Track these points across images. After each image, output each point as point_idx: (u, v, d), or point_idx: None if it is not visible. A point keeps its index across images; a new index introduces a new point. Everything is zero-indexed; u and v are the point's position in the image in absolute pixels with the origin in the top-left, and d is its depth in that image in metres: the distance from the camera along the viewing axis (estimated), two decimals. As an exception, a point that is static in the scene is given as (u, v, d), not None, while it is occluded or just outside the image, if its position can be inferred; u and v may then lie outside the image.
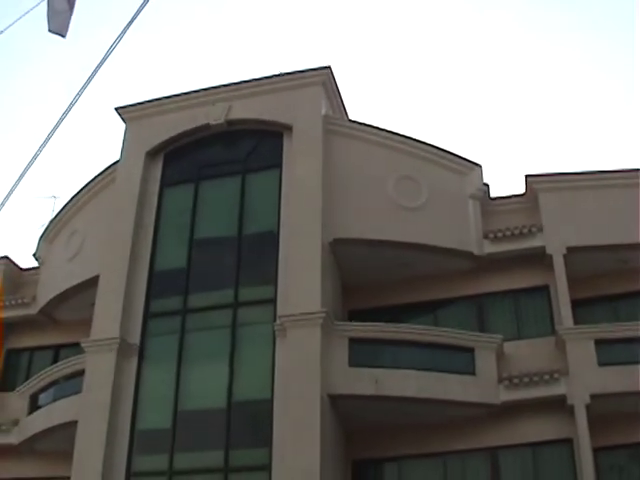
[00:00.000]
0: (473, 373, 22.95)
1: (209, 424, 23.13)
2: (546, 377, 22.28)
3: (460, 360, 23.20)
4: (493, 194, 25.84)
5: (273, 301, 23.71)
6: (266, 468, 21.81)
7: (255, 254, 24.94)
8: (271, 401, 22.36)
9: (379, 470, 24.46)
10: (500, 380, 22.67)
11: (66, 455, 24.26)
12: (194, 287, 25.04)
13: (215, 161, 27.14)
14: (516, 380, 22.40)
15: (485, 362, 23.04)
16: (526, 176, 25.26)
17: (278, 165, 25.88)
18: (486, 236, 24.75)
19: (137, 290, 25.45)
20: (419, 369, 22.70)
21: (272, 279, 24.07)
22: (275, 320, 23.17)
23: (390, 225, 24.58)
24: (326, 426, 21.70)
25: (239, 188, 26.07)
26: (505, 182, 77.76)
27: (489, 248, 24.74)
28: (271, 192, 25.49)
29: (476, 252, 24.68)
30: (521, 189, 25.75)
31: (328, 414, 22.02)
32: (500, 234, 24.61)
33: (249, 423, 23.10)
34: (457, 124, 70.04)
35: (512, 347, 23.74)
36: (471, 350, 23.22)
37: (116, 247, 26.12)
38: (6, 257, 31.77)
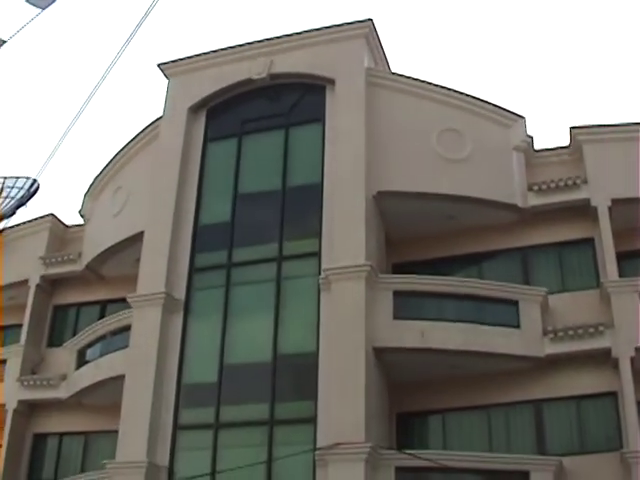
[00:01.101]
0: (518, 326, 22.88)
1: (255, 377, 23.35)
2: (591, 330, 22.19)
3: (505, 313, 23.15)
4: (537, 146, 25.58)
5: (317, 254, 23.78)
6: (311, 421, 22.03)
7: (299, 207, 25.00)
8: (316, 354, 22.51)
9: (423, 423, 24.53)
10: (545, 333, 22.60)
11: (114, 409, 24.71)
12: (238, 241, 25.18)
13: (258, 115, 27.11)
14: (561, 333, 22.34)
15: (530, 315, 22.96)
16: (570, 128, 24.99)
17: (321, 118, 25.85)
18: (530, 188, 24.55)
19: (182, 245, 25.65)
20: (464, 322, 22.71)
21: (316, 232, 24.11)
22: (320, 273, 23.25)
23: (434, 177, 24.49)
24: (371, 379, 21.79)
25: (282, 142, 26.10)
26: (549, 134, 76.98)
27: (533, 200, 24.54)
28: (314, 145, 25.50)
29: (520, 204, 24.50)
30: (565, 141, 25.50)
31: (373, 367, 22.10)
32: (544, 186, 24.39)
33: (294, 376, 23.29)
34: (500, 76, 69.39)
35: (557, 300, 23.64)
36: (515, 303, 23.15)
37: (160, 202, 26.30)
38: (52, 215, 32.10)
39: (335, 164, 24.55)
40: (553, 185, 24.33)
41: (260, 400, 22.88)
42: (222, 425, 23.11)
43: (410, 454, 21.08)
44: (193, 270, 25.36)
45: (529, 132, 25.28)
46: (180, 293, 24.96)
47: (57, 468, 28.86)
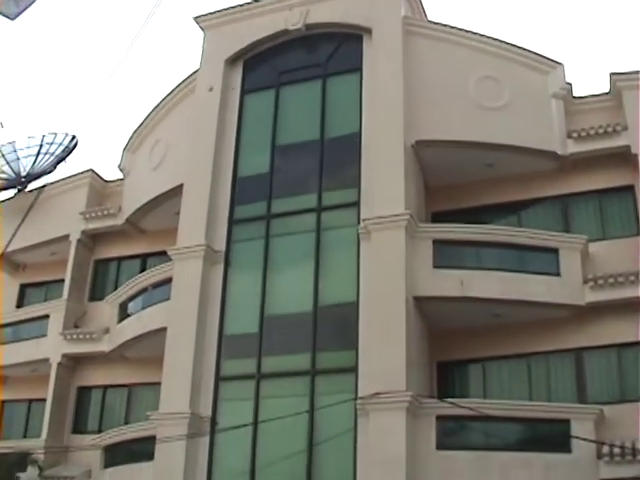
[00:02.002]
0: (558, 274, 22.78)
1: (295, 328, 23.55)
2: (631, 278, 22.05)
3: (545, 261, 23.07)
4: (576, 93, 25.29)
5: (357, 204, 23.77)
6: (352, 370, 22.16)
7: (337, 158, 24.95)
8: (356, 304, 22.60)
9: (463, 371, 24.62)
10: (585, 281, 22.49)
11: (156, 361, 25.00)
12: (277, 192, 25.25)
13: (295, 66, 27.06)
14: (601, 281, 22.22)
15: (570, 263, 22.84)
16: (610, 74, 24.68)
17: (358, 68, 25.71)
18: (570, 135, 24.32)
19: (221, 197, 25.76)
20: (503, 270, 22.67)
21: (355, 182, 24.08)
22: (359, 223, 23.25)
23: (472, 126, 24.32)
24: (411, 328, 21.87)
25: (320, 92, 26.03)
26: (588, 81, 76.05)
27: (573, 147, 24.32)
28: (352, 95, 25.38)
29: (560, 152, 24.29)
30: (605, 88, 25.20)
31: (413, 316, 22.17)
32: (584, 133, 24.14)
33: (335, 326, 23.41)
34: (538, 23, 68.52)
35: (597, 248, 23.53)
36: (555, 251, 23.05)
37: (199, 155, 26.39)
38: (91, 170, 32.32)
39: (373, 114, 24.44)
40: (593, 132, 24.07)
41: (301, 350, 23.10)
42: (264, 376, 23.35)
43: (451, 403, 21.17)
44: (233, 222, 25.49)
45: (568, 79, 24.97)
46: (220, 245, 25.10)
47: (101, 420, 29.38)
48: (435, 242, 22.94)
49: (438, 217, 25.22)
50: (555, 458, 20.38)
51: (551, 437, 21.05)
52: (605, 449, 20.10)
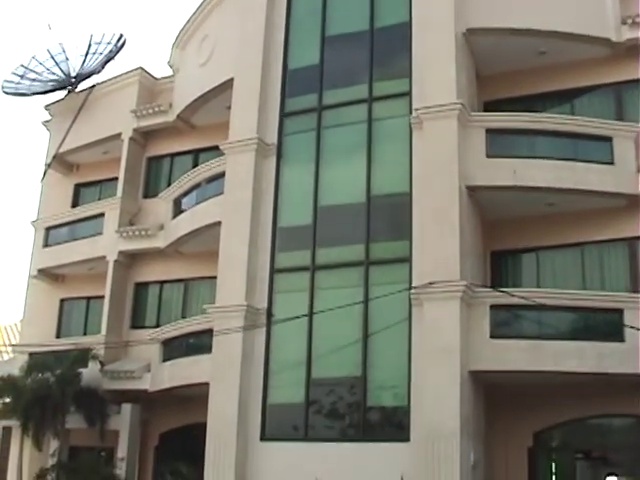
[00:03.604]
0: (611, 162, 22.53)
1: (349, 219, 23.61)
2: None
3: (598, 150, 22.79)
4: (631, -22, 24.63)
5: (408, 94, 23.49)
6: (406, 260, 22.26)
7: (388, 48, 24.55)
8: (410, 194, 22.58)
9: (517, 261, 24.64)
10: (639, 170, 22.20)
11: (211, 255, 25.34)
12: (328, 84, 25.02)
13: (343, -44, 26.39)
14: (651, 184, 21.90)
15: (623, 151, 22.55)
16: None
17: (407, -43, 25.10)
18: (624, 22, 23.72)
19: (272, 90, 25.64)
20: (557, 159, 22.40)
21: (406, 72, 23.76)
22: (411, 113, 23.03)
23: (525, 12, 23.68)
24: (465, 217, 21.86)
25: (369, -20, 25.47)
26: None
27: (627, 34, 23.73)
28: (402, -17, 24.85)
29: (614, 38, 23.76)
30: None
31: (466, 206, 22.13)
32: (639, 19, 23.50)
33: (388, 216, 23.45)
34: None
35: (651, 134, 23.10)
36: (609, 139, 22.74)
37: (248, 48, 26.19)
38: (140, 68, 32.30)
39: (424, 2, 23.92)
40: (647, 18, 23.48)
41: (355, 241, 23.20)
42: (318, 267, 23.56)
43: (504, 292, 21.25)
44: (284, 115, 25.39)
45: (622, -36, 24.29)
46: (272, 138, 25.07)
47: (159, 315, 30.00)
48: (488, 131, 22.67)
49: (490, 106, 24.89)
50: (607, 347, 20.44)
51: (604, 326, 21.04)
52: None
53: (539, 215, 23.28)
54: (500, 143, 22.73)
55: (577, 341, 20.73)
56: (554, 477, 23.30)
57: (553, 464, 23.42)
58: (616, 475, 23.66)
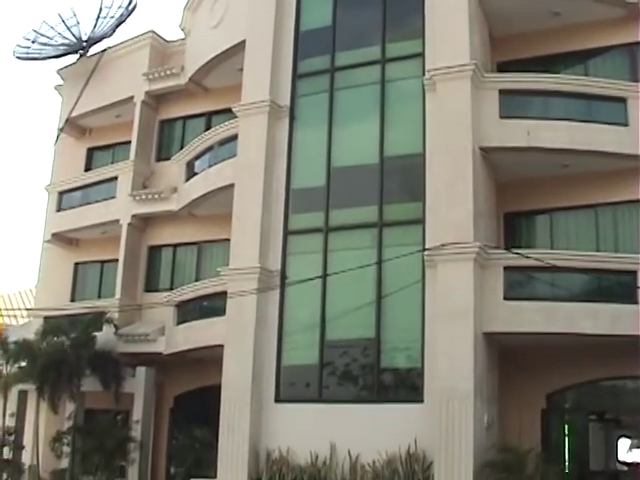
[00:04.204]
0: (626, 124, 22.31)
1: (362, 180, 23.54)
2: None
3: (612, 111, 22.59)
4: None
5: (421, 55, 23.33)
6: (419, 222, 22.24)
7: (400, 8, 24.31)
8: (423, 156, 22.49)
9: (531, 223, 24.60)
10: (655, 133, 21.99)
11: (225, 218, 25.37)
12: (340, 45, 24.87)
13: None
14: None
15: (637, 112, 22.23)
16: None
17: None
18: (638, -18, 23.48)
19: (284, 52, 25.52)
20: (571, 120, 22.22)
21: (419, 33, 23.55)
22: (424, 74, 22.88)
23: (538, -28, 23.54)
24: (478, 179, 21.78)
25: (380, -59, 25.24)
26: None
27: (641, -8, 23.49)
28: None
29: (628, -1, 23.54)
30: None
31: (480, 167, 22.05)
32: (653, -21, 23.29)
33: (402, 178, 23.39)
34: None
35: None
36: (623, 100, 22.54)
37: (260, 10, 26.07)
38: (152, 31, 32.21)
39: (434, -38, 23.70)
40: (663, -24, 23.22)
41: (368, 203, 23.18)
42: (331, 229, 23.55)
43: (518, 253, 21.19)
44: (296, 76, 25.27)
45: None
46: (285, 100, 24.98)
47: (173, 278, 30.16)
48: (501, 92, 22.51)
49: (504, 67, 24.70)
50: (621, 309, 20.37)
51: (617, 288, 20.97)
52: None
53: (553, 176, 23.15)
54: (514, 104, 22.52)
55: (591, 303, 20.71)
56: (567, 439, 23.37)
57: (566, 426, 23.52)
58: (629, 437, 23.80)
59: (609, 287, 21.12)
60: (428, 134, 22.52)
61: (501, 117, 22.28)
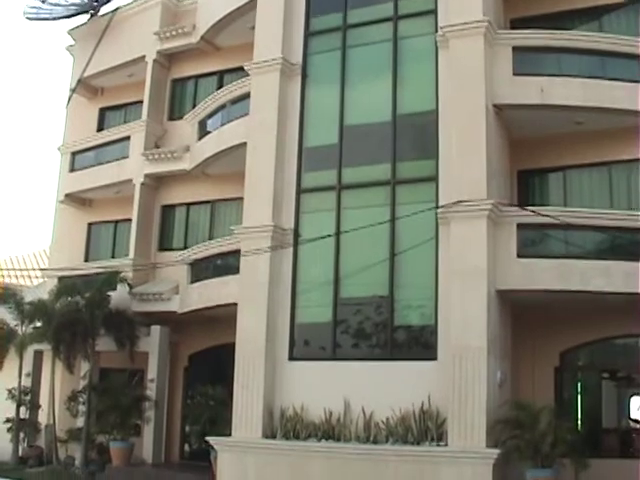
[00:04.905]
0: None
1: (375, 138, 23.43)
2: None
3: (627, 68, 22.21)
4: None
5: (434, 12, 23.11)
6: (433, 179, 22.17)
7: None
8: (436, 113, 22.37)
9: (544, 180, 24.47)
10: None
11: (238, 177, 25.35)
12: (353, 2, 24.60)
13: None
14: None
15: (654, 66, 22.14)
16: None
17: None
18: None
19: (296, 9, 25.32)
20: (584, 77, 22.02)
21: (430, -8, 23.39)
22: (436, 32, 22.72)
23: None
24: (491, 136, 21.68)
25: None
26: None
27: (657, -53, 23.21)
28: None
29: (641, -45, 23.25)
30: None
31: (493, 124, 21.93)
32: None
33: (414, 135, 23.28)
34: None
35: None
36: (637, 57, 22.12)
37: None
38: (163, -10, 32.01)
39: None
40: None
41: (381, 160, 23.06)
42: (344, 187, 23.48)
43: (532, 211, 21.15)
44: (309, 34, 25.10)
45: None
46: (297, 58, 24.82)
47: (186, 237, 30.29)
48: (514, 49, 22.28)
49: (517, 24, 24.38)
50: (635, 267, 20.17)
51: (631, 246, 20.87)
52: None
53: (566, 134, 23.00)
54: (527, 61, 22.32)
55: (604, 260, 20.62)
56: (580, 396, 23.43)
57: (579, 384, 23.53)
58: (641, 395, 23.78)
59: (622, 245, 21.03)
60: (441, 91, 22.39)
61: (514, 74, 22.09)
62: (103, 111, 34.75)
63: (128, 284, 28.70)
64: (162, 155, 29.69)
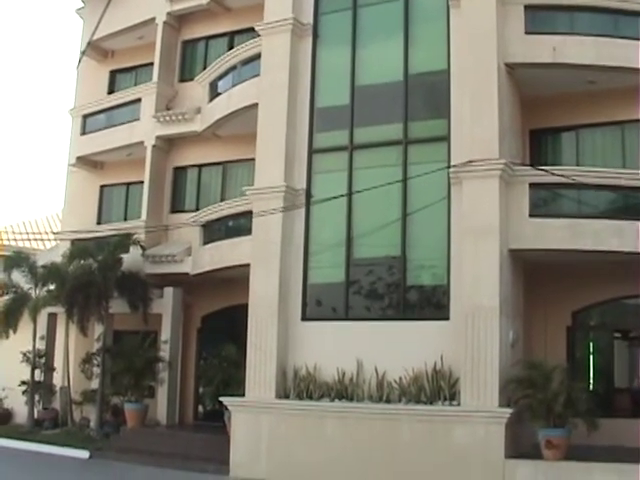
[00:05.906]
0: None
1: (387, 97, 23.28)
2: None
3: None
4: None
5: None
6: (445, 139, 22.07)
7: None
8: (447, 72, 22.23)
9: (556, 139, 24.39)
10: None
11: (249, 138, 25.25)
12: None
13: None
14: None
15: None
16: None
17: None
18: None
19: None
20: (597, 35, 21.76)
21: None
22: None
23: None
24: (504, 95, 21.55)
25: None
26: None
27: None
28: None
29: None
30: None
31: (505, 83, 21.79)
32: None
33: (426, 95, 23.16)
34: None
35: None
36: (651, 16, 22.11)
37: None
38: (169, -50, 31.74)
39: None
40: None
41: (393, 120, 22.94)
42: (356, 147, 23.39)
43: (544, 170, 21.05)
44: (319, -7, 24.93)
45: None
46: (308, 18, 24.61)
47: (198, 198, 30.31)
48: (526, 7, 22.01)
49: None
50: (648, 224, 20.23)
51: (644, 205, 20.85)
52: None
53: (579, 93, 22.88)
54: (539, 20, 22.11)
55: (617, 220, 20.52)
56: (592, 356, 23.57)
57: (591, 343, 23.69)
58: (653, 356, 23.81)
59: (635, 204, 20.86)
60: (453, 51, 22.24)
61: (526, 33, 21.87)
62: (114, 73, 34.66)
63: (141, 246, 28.78)
64: (173, 117, 29.66)
